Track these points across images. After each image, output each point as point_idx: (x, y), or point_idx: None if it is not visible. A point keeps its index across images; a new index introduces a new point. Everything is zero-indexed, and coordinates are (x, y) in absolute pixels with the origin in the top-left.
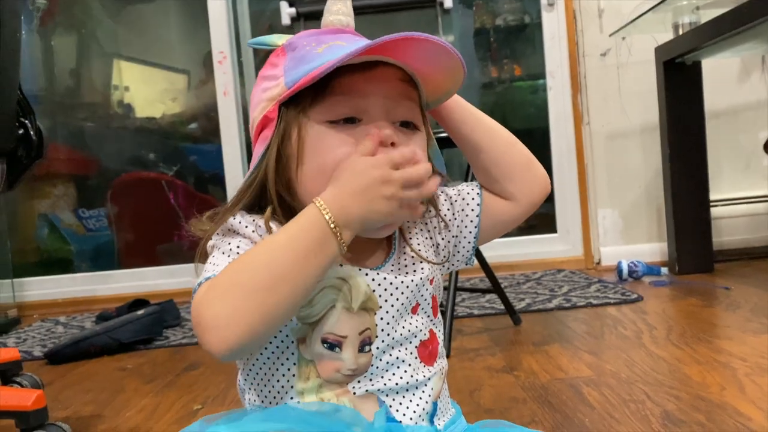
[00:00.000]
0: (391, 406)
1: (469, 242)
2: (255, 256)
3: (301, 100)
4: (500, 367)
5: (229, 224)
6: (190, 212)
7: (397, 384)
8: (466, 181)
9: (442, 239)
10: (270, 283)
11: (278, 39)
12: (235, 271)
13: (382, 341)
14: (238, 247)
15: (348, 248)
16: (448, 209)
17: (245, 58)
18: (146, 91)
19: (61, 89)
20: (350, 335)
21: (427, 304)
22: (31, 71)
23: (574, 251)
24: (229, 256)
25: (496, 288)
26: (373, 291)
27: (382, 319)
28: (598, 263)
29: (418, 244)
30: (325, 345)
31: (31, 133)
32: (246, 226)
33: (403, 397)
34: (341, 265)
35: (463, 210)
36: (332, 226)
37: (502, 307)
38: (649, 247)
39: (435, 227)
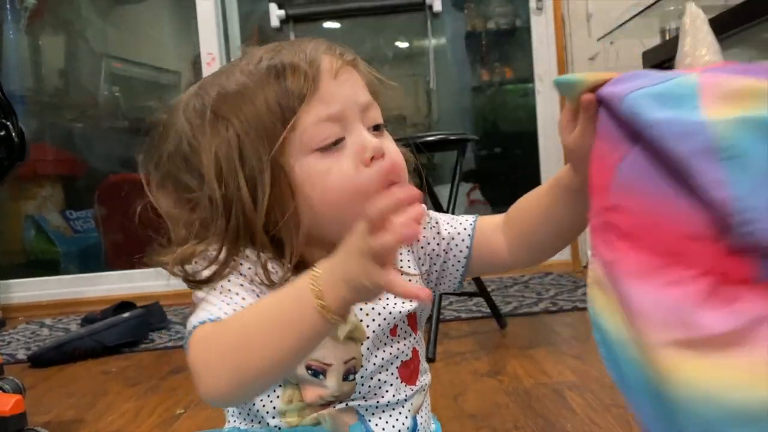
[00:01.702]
0: (370, 421)
1: (455, 277)
2: (242, 317)
3: (266, 137)
4: (485, 371)
5: (222, 286)
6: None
7: (378, 402)
8: (452, 184)
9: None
10: (248, 348)
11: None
12: (223, 329)
13: (366, 369)
14: (237, 294)
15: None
16: (438, 244)
17: (234, 60)
18: (135, 91)
19: (50, 89)
20: (335, 364)
21: (404, 323)
22: (18, 71)
23: (561, 255)
24: (224, 300)
25: (482, 291)
26: (361, 321)
27: (368, 349)
28: (586, 267)
29: (409, 267)
30: (310, 372)
31: (13, 134)
32: (241, 284)
33: (383, 412)
34: None
35: (451, 249)
36: (318, 303)
37: (489, 310)
38: None
39: (426, 254)
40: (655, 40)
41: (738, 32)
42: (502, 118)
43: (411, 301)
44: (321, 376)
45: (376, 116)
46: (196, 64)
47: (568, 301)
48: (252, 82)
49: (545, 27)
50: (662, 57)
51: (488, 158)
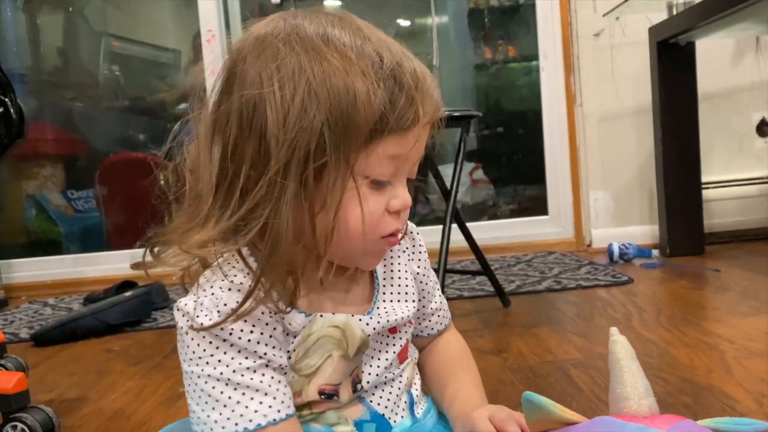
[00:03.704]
0: (371, 401)
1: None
2: None
3: (351, 136)
4: (489, 349)
5: (224, 335)
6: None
7: (375, 380)
8: (456, 163)
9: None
10: None
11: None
12: None
13: (369, 374)
14: (238, 365)
15: (334, 292)
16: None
17: (234, 37)
18: (135, 70)
19: (49, 68)
20: (344, 381)
21: (405, 326)
22: (17, 49)
23: (565, 233)
24: (227, 384)
25: (486, 270)
26: (368, 336)
27: (370, 357)
28: (589, 245)
29: (406, 277)
30: (323, 396)
31: (12, 111)
32: (248, 340)
33: (383, 390)
34: (333, 314)
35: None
36: None
37: (492, 289)
38: (641, 230)
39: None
40: (662, 16)
41: (746, 6)
42: (505, 96)
43: (405, 306)
44: (335, 397)
45: (415, 171)
46: (196, 41)
47: (572, 279)
48: (362, 70)
49: (550, 3)
50: (668, 33)
51: (491, 137)
